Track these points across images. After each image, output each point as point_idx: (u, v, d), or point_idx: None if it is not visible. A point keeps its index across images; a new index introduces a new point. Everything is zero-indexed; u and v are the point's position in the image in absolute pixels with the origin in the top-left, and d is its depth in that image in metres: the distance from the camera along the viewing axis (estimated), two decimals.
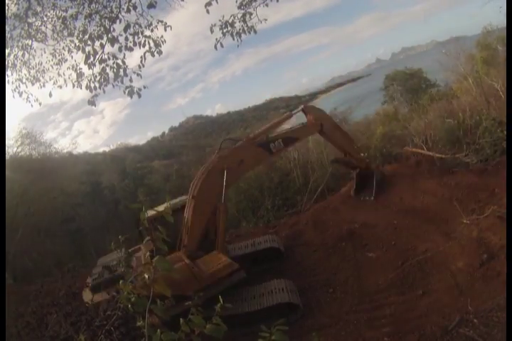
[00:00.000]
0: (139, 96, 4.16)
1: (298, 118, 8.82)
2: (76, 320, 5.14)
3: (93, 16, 4.71)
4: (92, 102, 4.49)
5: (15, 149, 15.54)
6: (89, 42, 4.34)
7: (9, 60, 5.28)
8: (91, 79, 4.48)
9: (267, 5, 5.09)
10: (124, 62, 4.31)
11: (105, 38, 4.30)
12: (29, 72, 5.45)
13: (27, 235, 12.35)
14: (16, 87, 5.43)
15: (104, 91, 4.53)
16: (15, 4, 5.02)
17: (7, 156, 14.28)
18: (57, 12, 5.14)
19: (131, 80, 4.28)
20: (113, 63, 4.33)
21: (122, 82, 4.30)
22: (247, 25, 4.95)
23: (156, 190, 17.51)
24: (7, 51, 5.20)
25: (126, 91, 4.14)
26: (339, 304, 5.92)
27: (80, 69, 4.74)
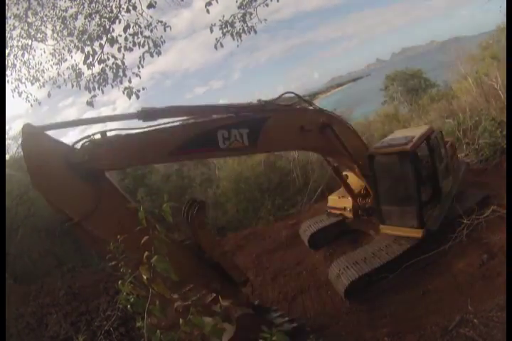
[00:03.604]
0: (137, 97, 4.15)
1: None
2: (76, 320, 5.16)
3: (93, 16, 4.71)
4: (90, 103, 4.49)
5: (15, 149, 15.52)
6: (88, 42, 4.34)
7: (9, 60, 5.28)
8: (90, 79, 4.48)
9: (267, 5, 5.10)
10: (123, 63, 4.31)
11: (104, 38, 4.30)
12: (29, 72, 5.45)
13: (27, 235, 12.32)
14: (16, 86, 5.43)
15: (102, 92, 4.53)
16: (15, 4, 5.01)
17: (7, 156, 14.28)
18: (57, 12, 5.14)
19: (130, 81, 4.29)
20: (112, 63, 4.33)
21: (122, 83, 4.31)
22: (247, 25, 4.96)
23: (156, 190, 17.45)
24: (7, 51, 5.20)
25: (125, 92, 4.13)
26: (339, 304, 5.92)
27: (79, 69, 4.75)
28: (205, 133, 3.90)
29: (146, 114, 3.59)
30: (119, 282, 1.68)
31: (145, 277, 1.55)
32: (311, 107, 5.44)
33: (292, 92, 5.20)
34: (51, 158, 3.18)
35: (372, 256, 5.85)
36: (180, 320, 1.60)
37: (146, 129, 3.63)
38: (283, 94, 5.03)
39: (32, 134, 3.13)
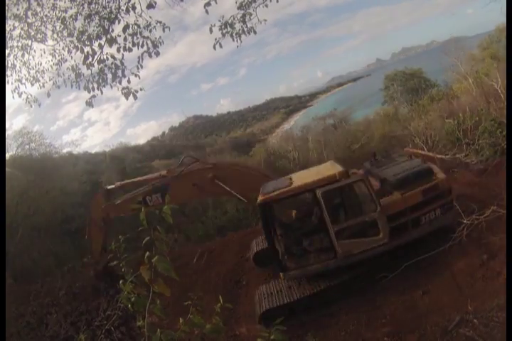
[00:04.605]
0: (135, 97, 4.15)
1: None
2: (76, 319, 5.17)
3: (92, 17, 4.71)
4: (89, 103, 4.49)
5: (15, 149, 15.56)
6: (87, 42, 4.34)
7: (9, 61, 5.28)
8: (89, 79, 4.48)
9: (266, 5, 5.10)
10: (122, 63, 4.32)
11: (104, 39, 4.30)
12: (29, 73, 5.45)
13: (27, 235, 12.34)
14: (16, 87, 5.43)
15: (101, 92, 4.54)
16: (15, 5, 5.02)
17: (7, 156, 14.31)
18: (57, 12, 5.14)
19: (129, 81, 4.29)
20: (111, 64, 4.33)
21: (120, 83, 4.31)
22: (246, 26, 4.96)
23: None
24: (7, 51, 5.20)
25: (123, 93, 4.13)
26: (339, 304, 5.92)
27: (79, 69, 4.75)
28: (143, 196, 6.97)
29: None
30: (120, 282, 1.68)
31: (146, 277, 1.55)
32: (206, 165, 7.04)
33: (191, 156, 8.01)
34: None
35: (288, 289, 5.94)
36: (181, 320, 1.61)
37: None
38: (183, 159, 7.74)
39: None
